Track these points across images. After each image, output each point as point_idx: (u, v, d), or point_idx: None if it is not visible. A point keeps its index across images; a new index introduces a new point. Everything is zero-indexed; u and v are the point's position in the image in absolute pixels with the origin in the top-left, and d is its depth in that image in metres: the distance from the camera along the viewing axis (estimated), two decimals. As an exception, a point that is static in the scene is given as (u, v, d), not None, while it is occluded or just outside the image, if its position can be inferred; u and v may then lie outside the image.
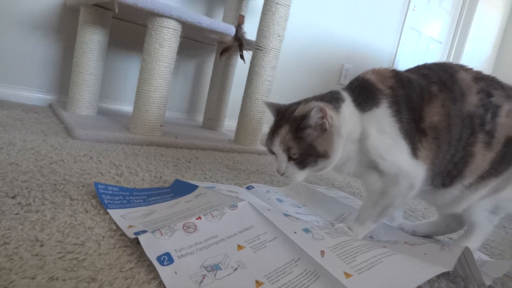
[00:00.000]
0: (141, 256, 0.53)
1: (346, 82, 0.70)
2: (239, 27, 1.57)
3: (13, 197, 0.65)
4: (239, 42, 1.59)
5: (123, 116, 1.66)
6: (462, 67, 0.74)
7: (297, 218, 0.70)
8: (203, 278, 0.50)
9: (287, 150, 0.67)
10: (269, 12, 1.49)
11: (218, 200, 0.71)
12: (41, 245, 0.51)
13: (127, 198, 0.74)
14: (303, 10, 2.33)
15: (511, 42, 3.83)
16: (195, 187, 0.80)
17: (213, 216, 0.63)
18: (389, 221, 0.90)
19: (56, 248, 0.51)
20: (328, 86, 0.71)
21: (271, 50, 1.52)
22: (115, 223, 0.62)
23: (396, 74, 0.72)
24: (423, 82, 0.71)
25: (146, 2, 1.24)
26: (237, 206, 0.67)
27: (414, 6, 2.98)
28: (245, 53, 1.66)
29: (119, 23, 1.73)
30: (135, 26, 1.76)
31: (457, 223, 0.85)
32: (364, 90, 0.71)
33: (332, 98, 0.70)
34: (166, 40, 1.32)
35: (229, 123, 2.06)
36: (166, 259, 0.52)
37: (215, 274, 0.51)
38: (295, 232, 0.61)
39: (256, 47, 1.54)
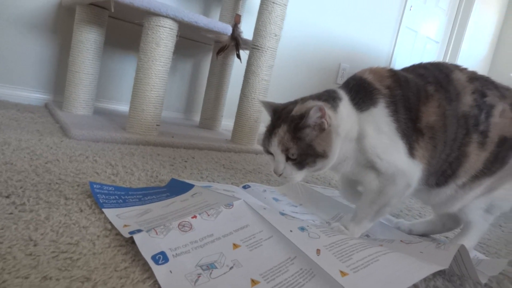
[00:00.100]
0: (136, 255, 0.53)
1: (343, 81, 0.71)
2: (235, 26, 1.57)
3: (7, 197, 0.64)
4: (236, 42, 1.59)
5: (120, 116, 1.66)
6: (457, 67, 0.74)
7: (293, 217, 0.70)
8: (199, 277, 0.50)
9: (286, 150, 0.66)
10: (266, 11, 1.49)
11: (214, 199, 0.71)
12: (35, 245, 0.50)
13: (123, 197, 0.74)
14: (300, 9, 2.33)
15: (508, 42, 3.84)
16: (191, 186, 0.80)
17: (208, 215, 0.63)
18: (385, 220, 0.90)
19: (50, 248, 0.50)
20: (325, 86, 0.71)
21: (267, 49, 1.52)
22: (110, 223, 0.62)
23: (393, 73, 0.72)
24: (420, 82, 0.71)
25: (143, 1, 1.23)
26: (233, 205, 0.67)
27: (411, 6, 2.98)
28: (241, 52, 1.66)
29: (115, 22, 1.72)
30: (132, 25, 1.75)
31: (453, 222, 0.85)
32: (361, 90, 0.70)
33: (329, 97, 0.70)
34: (162, 40, 1.32)
35: (226, 122, 2.06)
36: (161, 258, 0.52)
37: (211, 273, 0.51)
38: (291, 231, 0.61)
39: (253, 46, 1.53)
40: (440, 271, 0.65)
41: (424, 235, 0.89)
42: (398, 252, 0.57)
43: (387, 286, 0.49)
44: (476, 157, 0.70)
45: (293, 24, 2.30)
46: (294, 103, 0.71)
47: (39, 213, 0.60)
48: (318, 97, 0.71)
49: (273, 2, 1.47)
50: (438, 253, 0.58)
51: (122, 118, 1.58)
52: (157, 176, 0.95)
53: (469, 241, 0.76)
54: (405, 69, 0.76)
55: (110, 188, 0.76)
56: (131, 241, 0.56)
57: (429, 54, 3.44)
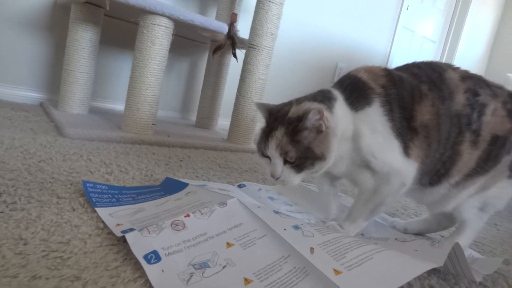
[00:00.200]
0: (128, 254, 0.52)
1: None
2: (231, 25, 1.56)
3: (-2, 196, 0.64)
4: (232, 41, 1.58)
5: (115, 115, 1.65)
6: (450, 66, 0.74)
7: (288, 215, 0.69)
8: (191, 276, 0.49)
9: (284, 154, 0.64)
10: (262, 10, 1.48)
11: (208, 198, 0.70)
12: (25, 244, 0.50)
13: (116, 196, 0.73)
14: (297, 8, 2.33)
15: (504, 41, 3.86)
16: (185, 185, 0.80)
17: (202, 214, 0.62)
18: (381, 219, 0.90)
19: (40, 247, 0.50)
20: (322, 85, 0.71)
21: (264, 48, 1.51)
22: (102, 222, 0.61)
23: (388, 73, 0.72)
24: (414, 81, 0.71)
25: (138, -1, 1.23)
26: (226, 204, 0.66)
27: (408, 6, 2.99)
28: (238, 51, 1.66)
29: (111, 21, 1.71)
30: (128, 24, 1.74)
31: (448, 220, 0.85)
32: (356, 89, 0.70)
33: (324, 98, 0.69)
34: (158, 38, 1.31)
35: (223, 122, 2.05)
36: (153, 257, 0.51)
37: (203, 272, 0.51)
38: (285, 229, 0.60)
39: (249, 45, 1.53)
40: (435, 270, 0.65)
41: (419, 234, 0.89)
42: (392, 250, 0.57)
43: (381, 284, 0.48)
44: (468, 156, 0.70)
45: (289, 23, 2.30)
46: (289, 104, 0.70)
47: (31, 212, 0.60)
48: (313, 97, 0.69)
49: (270, 1, 1.47)
50: (432, 251, 0.58)
51: (118, 117, 1.57)
52: (151, 175, 0.94)
53: (464, 240, 0.76)
54: (398, 68, 0.76)
55: (104, 187, 0.76)
56: (123, 240, 0.55)
57: (426, 53, 3.44)
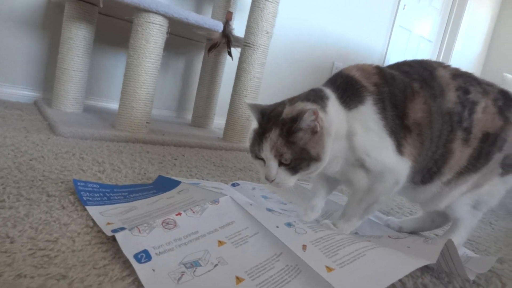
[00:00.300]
0: (117, 252, 0.51)
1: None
2: (227, 23, 1.56)
3: (-13, 194, 0.63)
4: (227, 39, 1.58)
5: (110, 114, 1.64)
6: (440, 64, 0.74)
7: (280, 213, 0.69)
8: (182, 275, 0.49)
9: (280, 155, 0.63)
10: (258, 8, 1.48)
11: (200, 196, 0.69)
12: (12, 242, 0.49)
13: (107, 195, 0.72)
14: (293, 7, 2.32)
15: (501, 41, 3.87)
16: (178, 183, 0.79)
17: (193, 212, 0.62)
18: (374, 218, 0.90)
19: (27, 245, 0.49)
20: (319, 84, 0.70)
21: (259, 46, 1.51)
22: (92, 220, 0.60)
23: (379, 70, 0.71)
24: (405, 79, 0.70)
25: (131, -4, 1.22)
26: (219, 201, 0.65)
27: (404, 5, 2.99)
28: (233, 50, 1.65)
29: (105, 19, 1.70)
30: (122, 22, 1.73)
31: (442, 218, 0.85)
32: (349, 87, 0.69)
33: (317, 97, 0.68)
34: (152, 36, 1.30)
35: (219, 121, 2.04)
36: (143, 256, 0.51)
37: (195, 271, 0.50)
38: (277, 227, 0.60)
39: (245, 43, 1.52)
40: (428, 268, 0.65)
41: (413, 232, 0.88)
42: (385, 247, 0.56)
43: (373, 281, 0.48)
44: (460, 154, 0.70)
45: (285, 21, 2.29)
46: (282, 104, 0.69)
47: (19, 210, 0.59)
48: (306, 97, 0.68)
49: (265, -1, 1.46)
50: (425, 247, 0.58)
51: (112, 116, 1.56)
52: (144, 173, 0.94)
53: (458, 238, 0.75)
54: (389, 67, 0.76)
55: (95, 186, 0.75)
56: (113, 238, 0.54)
57: (423, 53, 3.45)
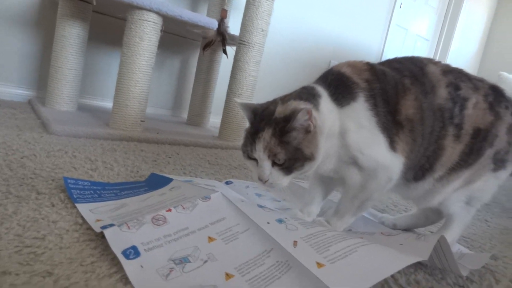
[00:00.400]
0: (105, 250, 0.51)
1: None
2: (222, 21, 1.55)
3: (-25, 191, 0.62)
4: (222, 37, 1.57)
5: (104, 112, 1.63)
6: (430, 61, 0.74)
7: (272, 209, 0.68)
8: (171, 271, 0.48)
9: (273, 156, 0.62)
10: (253, 6, 1.47)
11: (192, 193, 0.69)
12: (-2, 239, 0.48)
13: (98, 192, 0.72)
14: (288, 5, 2.32)
15: (497, 40, 3.87)
16: (170, 180, 0.78)
17: (184, 208, 0.61)
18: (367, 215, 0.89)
19: (13, 242, 0.48)
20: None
21: (254, 45, 1.50)
22: (82, 217, 0.60)
23: (370, 67, 0.71)
24: (396, 75, 0.70)
25: (125, -6, 1.21)
26: (210, 198, 0.65)
27: (401, 4, 2.99)
28: (229, 48, 1.64)
29: (99, 17, 1.69)
30: (116, 20, 1.72)
31: (436, 214, 0.84)
32: (340, 84, 0.68)
33: (309, 95, 0.67)
34: (146, 34, 1.30)
35: (215, 120, 2.04)
36: (132, 252, 0.50)
37: (184, 267, 0.49)
38: (268, 223, 0.59)
39: (240, 42, 1.52)
40: (421, 264, 0.64)
41: (408, 229, 0.88)
42: (377, 244, 0.56)
43: (364, 277, 0.47)
44: (452, 150, 0.69)
45: (281, 19, 2.29)
46: (274, 103, 0.67)
47: (7, 207, 0.58)
48: (298, 96, 0.67)
49: (260, -3, 1.45)
50: (417, 244, 0.57)
51: (106, 114, 1.55)
52: (137, 171, 0.93)
53: (452, 234, 0.75)
54: (380, 64, 0.76)
55: (86, 183, 0.74)
56: (101, 236, 0.54)
57: (419, 51, 3.45)
